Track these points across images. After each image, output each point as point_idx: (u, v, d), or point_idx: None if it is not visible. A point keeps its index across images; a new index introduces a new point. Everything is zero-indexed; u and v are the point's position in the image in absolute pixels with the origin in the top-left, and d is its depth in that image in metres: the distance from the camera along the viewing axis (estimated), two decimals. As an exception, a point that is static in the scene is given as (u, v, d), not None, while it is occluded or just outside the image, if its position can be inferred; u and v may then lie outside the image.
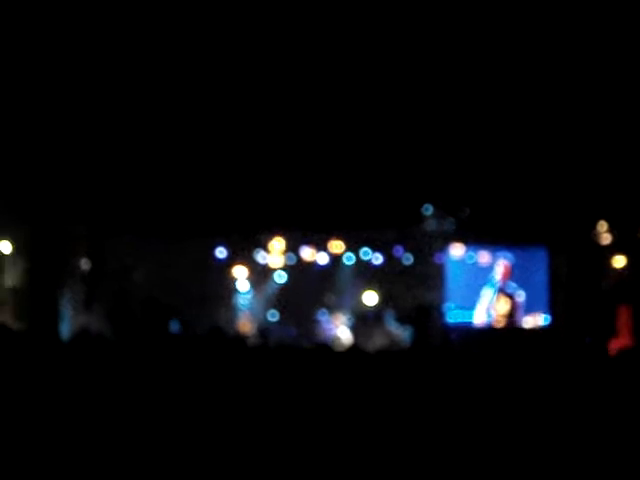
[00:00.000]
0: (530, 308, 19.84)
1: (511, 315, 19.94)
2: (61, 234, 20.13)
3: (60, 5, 13.83)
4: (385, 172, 17.89)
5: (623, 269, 19.36)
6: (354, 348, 12.53)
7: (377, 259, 21.72)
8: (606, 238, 19.12)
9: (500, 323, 19.97)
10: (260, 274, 22.78)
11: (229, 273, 22.70)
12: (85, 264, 20.55)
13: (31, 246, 19.50)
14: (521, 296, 19.88)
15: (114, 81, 15.44)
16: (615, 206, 18.22)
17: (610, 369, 9.21)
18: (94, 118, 16.68)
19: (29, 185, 18.15)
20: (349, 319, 21.57)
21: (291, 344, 20.03)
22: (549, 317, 19.68)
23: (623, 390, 7.59)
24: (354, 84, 15.10)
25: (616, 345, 17.02)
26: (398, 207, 19.06)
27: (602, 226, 19.05)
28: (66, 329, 18.89)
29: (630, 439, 6.41)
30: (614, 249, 19.35)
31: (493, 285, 20.08)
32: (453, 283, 20.30)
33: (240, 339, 12.09)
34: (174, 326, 20.72)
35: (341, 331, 21.19)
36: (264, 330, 20.58)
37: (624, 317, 18.17)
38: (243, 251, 22.27)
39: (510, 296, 20.01)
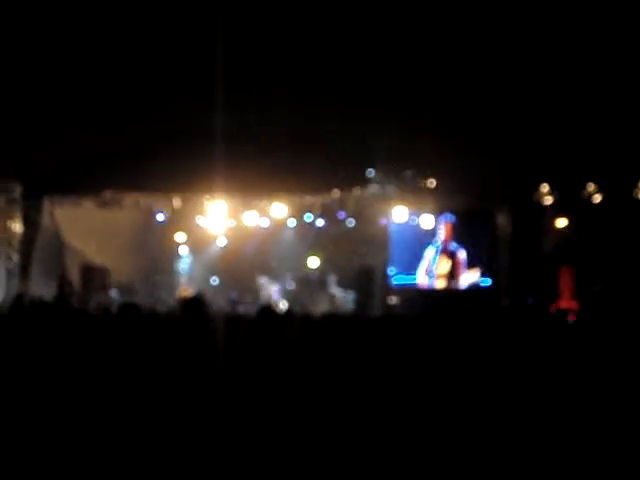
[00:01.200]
0: (470, 266, 20.12)
1: (452, 274, 20.19)
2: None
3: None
4: (328, 136, 17.89)
5: (565, 230, 19.64)
6: (290, 313, 12.57)
7: (320, 223, 21.82)
8: (548, 199, 19.38)
9: (441, 283, 20.20)
10: (201, 239, 22.77)
11: (169, 238, 22.64)
12: (18, 228, 20.28)
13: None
14: (462, 254, 20.14)
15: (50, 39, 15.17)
16: (557, 167, 18.43)
17: (552, 329, 9.43)
18: (27, 72, 16.33)
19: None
20: (290, 284, 21.69)
21: (231, 310, 20.16)
22: (489, 278, 19.93)
23: (564, 349, 7.79)
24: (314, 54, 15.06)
25: (558, 307, 17.36)
26: (341, 171, 19.08)
27: (544, 187, 19.31)
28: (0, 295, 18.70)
29: (575, 400, 6.58)
30: (557, 210, 19.60)
31: (435, 246, 20.30)
32: (396, 246, 20.46)
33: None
34: (114, 293, 20.63)
35: (274, 297, 21.29)
36: (202, 295, 20.53)
37: (566, 279, 18.49)
38: (184, 215, 22.21)
39: (451, 255, 20.26)
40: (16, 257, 20.03)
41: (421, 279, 20.29)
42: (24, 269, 20.13)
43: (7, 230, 20.11)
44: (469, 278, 20.03)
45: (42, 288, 20.02)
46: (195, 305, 7.80)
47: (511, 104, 16.47)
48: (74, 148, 18.55)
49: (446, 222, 20.27)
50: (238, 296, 21.63)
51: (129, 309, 8.83)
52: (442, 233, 20.30)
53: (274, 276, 21.99)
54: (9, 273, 19.86)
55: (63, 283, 20.46)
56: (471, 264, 20.04)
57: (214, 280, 22.36)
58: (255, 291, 21.83)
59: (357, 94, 16.17)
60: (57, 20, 14.53)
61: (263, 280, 21.79)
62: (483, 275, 19.98)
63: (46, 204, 20.97)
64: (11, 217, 20.15)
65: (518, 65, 15.39)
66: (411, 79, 15.63)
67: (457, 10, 13.95)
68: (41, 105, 17.07)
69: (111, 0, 14.21)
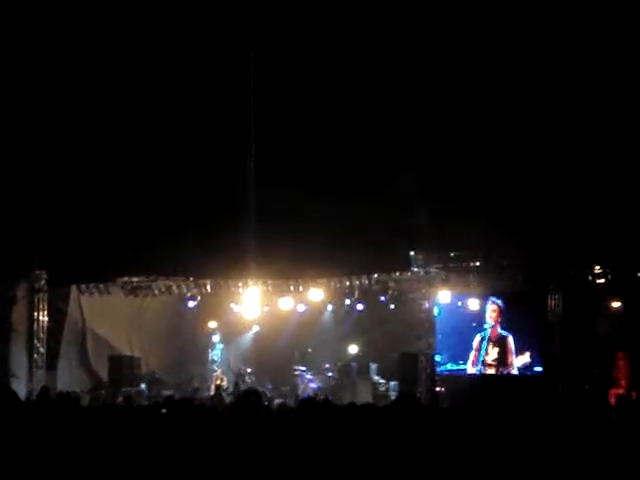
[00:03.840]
0: (520, 350, 19.82)
1: (502, 362, 19.91)
2: (18, 287, 19.99)
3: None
4: (366, 218, 17.89)
5: (620, 312, 19.33)
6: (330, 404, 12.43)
7: (359, 307, 21.68)
8: (600, 280, 19.12)
9: (491, 369, 19.92)
10: (234, 325, 22.69)
11: (201, 325, 22.58)
12: (43, 317, 20.35)
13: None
14: (511, 340, 19.84)
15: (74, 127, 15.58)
16: (610, 248, 18.26)
17: (611, 419, 9.20)
18: (53, 161, 16.68)
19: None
20: (329, 373, 21.48)
21: (269, 401, 19.98)
22: (540, 365, 19.59)
23: (625, 441, 7.58)
24: (335, 129, 15.32)
25: (615, 394, 17.03)
26: (381, 254, 19.02)
27: (596, 268, 19.08)
28: (22, 387, 18.61)
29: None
30: (610, 292, 19.33)
31: (483, 332, 20.06)
32: (441, 331, 20.26)
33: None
34: (143, 386, 20.52)
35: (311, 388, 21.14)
36: (238, 386, 20.44)
37: (622, 364, 18.14)
38: (215, 301, 22.18)
39: (500, 342, 19.98)
40: (42, 348, 20.04)
41: (470, 369, 20.03)
42: (50, 360, 20.15)
43: (32, 320, 20.17)
44: (519, 362, 19.71)
45: (68, 379, 20.02)
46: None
47: (561, 185, 16.51)
48: (101, 235, 18.72)
49: (493, 306, 20.03)
50: (274, 386, 21.49)
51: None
52: (489, 318, 20.04)
53: (311, 365, 21.81)
54: (35, 364, 19.85)
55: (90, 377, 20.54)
56: (521, 349, 19.75)
57: (248, 368, 22.20)
58: (292, 382, 21.62)
59: (399, 175, 16.29)
60: (85, 115, 14.99)
61: (300, 370, 21.59)
62: (533, 359, 19.63)
63: (73, 292, 21.05)
64: (36, 307, 20.24)
65: (570, 146, 15.55)
66: (457, 158, 15.76)
67: (506, 100, 14.29)
68: (69, 194, 17.36)
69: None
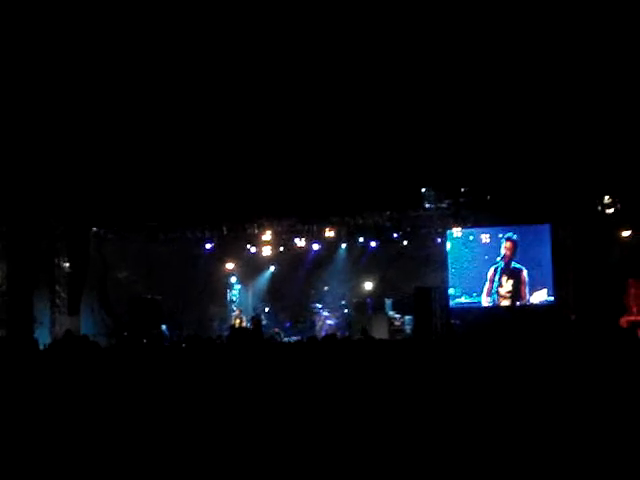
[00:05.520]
0: (535, 284, 19.87)
1: (516, 294, 19.99)
2: (38, 233, 20.09)
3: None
4: (379, 154, 17.90)
5: (630, 241, 19.32)
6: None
7: (372, 244, 21.75)
8: (610, 210, 19.11)
9: (505, 301, 20.01)
10: (250, 266, 22.85)
11: (218, 267, 22.75)
12: (66, 264, 20.53)
13: (8, 248, 19.44)
14: (525, 272, 19.90)
15: (89, 78, 15.59)
16: (619, 177, 18.22)
17: (622, 346, 9.28)
18: (70, 112, 16.71)
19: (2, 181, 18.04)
20: (345, 309, 21.61)
21: (287, 337, 20.19)
22: (553, 294, 19.65)
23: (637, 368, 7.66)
24: (343, 68, 15.28)
25: (627, 321, 17.13)
26: (393, 190, 19.02)
27: (606, 199, 19.06)
28: (46, 333, 18.83)
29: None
30: (620, 221, 19.31)
31: (497, 264, 20.12)
32: (454, 266, 20.37)
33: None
34: (164, 327, 20.68)
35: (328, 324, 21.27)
36: (257, 324, 20.58)
37: (633, 291, 18.18)
38: (232, 243, 22.32)
39: (514, 274, 20.05)
40: (64, 294, 20.24)
41: (484, 301, 20.13)
42: (72, 305, 20.35)
43: (53, 267, 20.34)
44: (537, 298, 19.76)
45: (90, 323, 20.25)
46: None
47: (569, 116, 16.46)
48: (119, 181, 18.79)
49: (507, 240, 20.07)
50: (292, 323, 21.66)
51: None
52: (503, 251, 20.10)
53: (328, 302, 21.95)
54: (57, 310, 20.07)
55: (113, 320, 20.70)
56: (535, 282, 19.80)
57: (266, 308, 22.38)
58: (310, 320, 21.79)
59: (410, 112, 16.28)
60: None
61: (317, 308, 21.74)
62: (549, 293, 19.71)
63: (92, 238, 21.23)
64: (57, 253, 20.41)
65: (577, 77, 15.52)
66: (467, 98, 15.78)
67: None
68: (86, 140, 17.43)
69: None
